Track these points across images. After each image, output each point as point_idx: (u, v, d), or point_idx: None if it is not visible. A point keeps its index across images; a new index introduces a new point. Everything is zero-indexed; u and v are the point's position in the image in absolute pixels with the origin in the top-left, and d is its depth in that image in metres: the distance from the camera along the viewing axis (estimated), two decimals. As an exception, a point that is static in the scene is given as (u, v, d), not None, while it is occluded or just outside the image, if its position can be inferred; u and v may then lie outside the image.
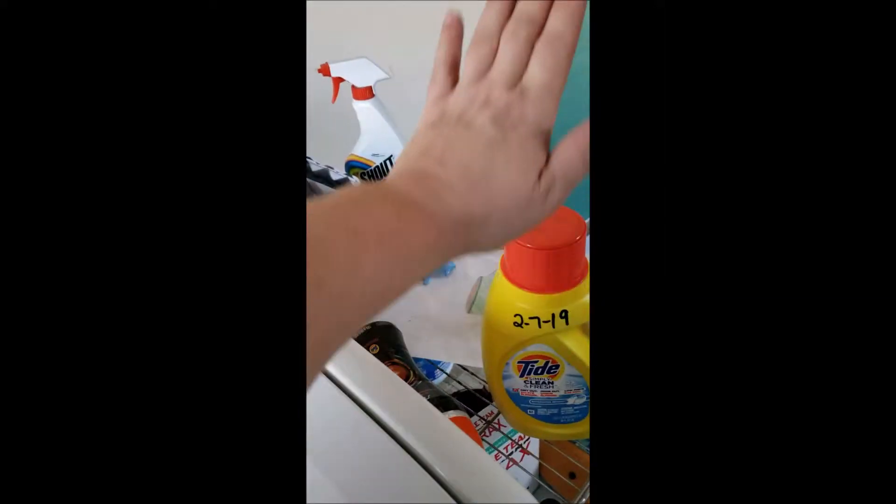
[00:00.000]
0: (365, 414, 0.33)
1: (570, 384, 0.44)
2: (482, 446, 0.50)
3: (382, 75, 0.66)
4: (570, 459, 0.63)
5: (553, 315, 0.39)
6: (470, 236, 0.21)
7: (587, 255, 0.40)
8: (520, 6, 0.23)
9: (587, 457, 0.78)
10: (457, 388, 0.71)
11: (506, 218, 0.22)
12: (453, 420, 0.47)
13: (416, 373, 0.51)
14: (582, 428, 0.49)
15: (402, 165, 0.23)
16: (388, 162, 0.69)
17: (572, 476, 0.77)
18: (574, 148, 0.22)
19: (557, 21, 0.22)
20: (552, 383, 0.44)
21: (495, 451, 0.64)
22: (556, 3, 0.23)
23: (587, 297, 0.39)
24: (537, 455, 0.76)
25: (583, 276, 0.39)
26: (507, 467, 0.71)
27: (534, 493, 0.82)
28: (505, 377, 0.45)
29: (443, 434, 0.31)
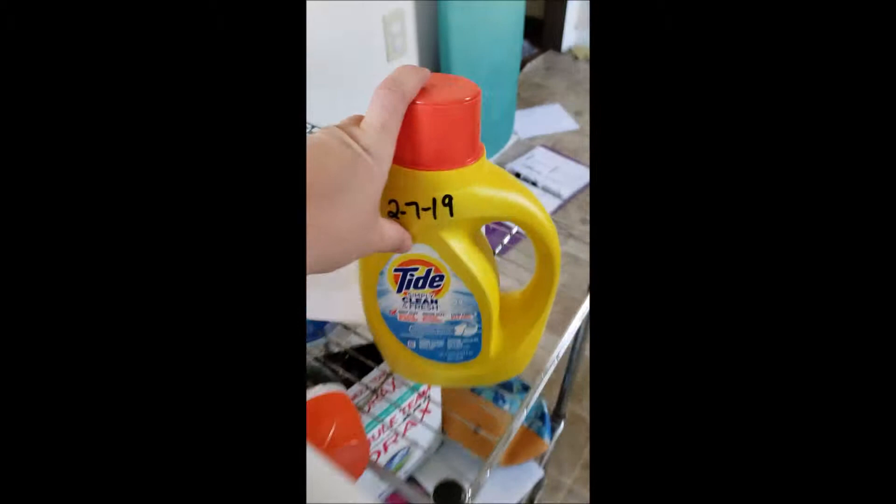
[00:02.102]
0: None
1: (458, 305, 0.36)
2: (360, 427, 0.41)
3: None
4: (469, 422, 0.55)
5: (434, 200, 0.30)
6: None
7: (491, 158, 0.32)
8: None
9: (492, 415, 0.70)
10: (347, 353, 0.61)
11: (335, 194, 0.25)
12: (325, 397, 0.39)
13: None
14: (473, 370, 0.41)
15: None
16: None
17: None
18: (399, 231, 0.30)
19: (402, 73, 0.28)
20: (436, 302, 0.36)
21: (381, 423, 0.55)
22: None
23: (477, 189, 0.31)
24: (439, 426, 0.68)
25: (473, 157, 0.31)
26: (405, 432, 0.62)
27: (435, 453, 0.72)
28: (380, 294, 0.36)
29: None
